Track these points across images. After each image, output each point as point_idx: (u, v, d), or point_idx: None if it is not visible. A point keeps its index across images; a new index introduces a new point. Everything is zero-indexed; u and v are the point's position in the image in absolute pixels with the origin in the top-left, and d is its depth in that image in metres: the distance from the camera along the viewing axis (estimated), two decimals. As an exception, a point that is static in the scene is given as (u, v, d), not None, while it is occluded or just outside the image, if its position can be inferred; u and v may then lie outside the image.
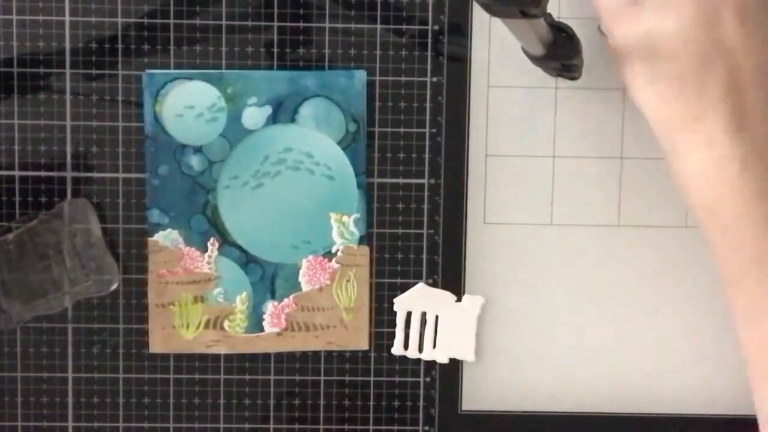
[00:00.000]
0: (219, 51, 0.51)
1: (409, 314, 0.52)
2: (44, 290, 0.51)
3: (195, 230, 0.51)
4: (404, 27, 0.51)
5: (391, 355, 0.52)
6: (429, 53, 0.51)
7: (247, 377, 0.52)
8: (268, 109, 0.51)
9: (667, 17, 0.38)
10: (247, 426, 0.53)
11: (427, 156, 0.51)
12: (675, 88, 0.39)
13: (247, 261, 0.52)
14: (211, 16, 0.51)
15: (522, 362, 0.52)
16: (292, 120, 0.51)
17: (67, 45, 0.50)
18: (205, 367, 0.52)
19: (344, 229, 0.52)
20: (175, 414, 0.52)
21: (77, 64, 0.51)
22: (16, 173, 0.51)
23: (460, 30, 0.51)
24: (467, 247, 0.52)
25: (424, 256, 0.52)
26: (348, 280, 0.52)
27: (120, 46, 0.50)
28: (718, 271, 0.41)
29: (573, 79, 0.49)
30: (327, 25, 0.51)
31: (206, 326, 0.52)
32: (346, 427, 0.53)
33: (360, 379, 0.52)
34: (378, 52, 0.51)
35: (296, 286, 0.52)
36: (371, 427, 0.53)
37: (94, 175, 0.51)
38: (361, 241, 0.52)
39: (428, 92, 0.51)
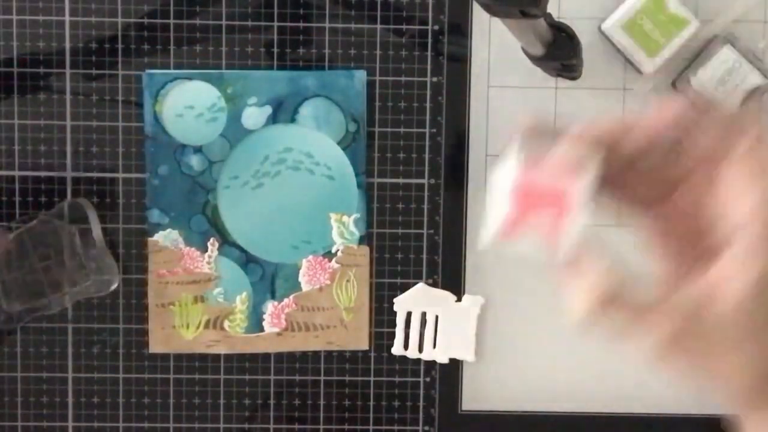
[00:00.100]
0: (219, 51, 0.51)
1: (409, 314, 0.52)
2: (44, 290, 0.51)
3: (195, 230, 0.51)
4: (404, 27, 0.51)
5: (391, 355, 0.52)
6: (429, 53, 0.51)
7: (247, 377, 0.52)
8: (268, 109, 0.51)
9: None
10: (247, 426, 0.53)
11: (427, 156, 0.51)
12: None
13: (247, 261, 0.52)
14: (211, 16, 0.51)
15: (522, 362, 0.52)
16: (292, 120, 0.51)
17: (67, 45, 0.50)
18: (205, 367, 0.52)
19: (344, 229, 0.52)
20: (175, 414, 0.52)
21: (77, 64, 0.51)
22: (16, 173, 0.51)
23: (460, 30, 0.51)
24: (467, 247, 0.52)
25: (424, 256, 0.52)
26: (348, 280, 0.52)
27: (120, 46, 0.50)
28: None
29: (573, 79, 0.49)
30: (327, 25, 0.51)
31: (206, 326, 0.52)
32: (346, 427, 0.53)
33: (360, 379, 0.52)
34: (378, 52, 0.51)
35: (296, 286, 0.52)
36: (371, 427, 0.53)
37: (94, 175, 0.51)
38: (361, 241, 0.52)
39: (428, 92, 0.51)
